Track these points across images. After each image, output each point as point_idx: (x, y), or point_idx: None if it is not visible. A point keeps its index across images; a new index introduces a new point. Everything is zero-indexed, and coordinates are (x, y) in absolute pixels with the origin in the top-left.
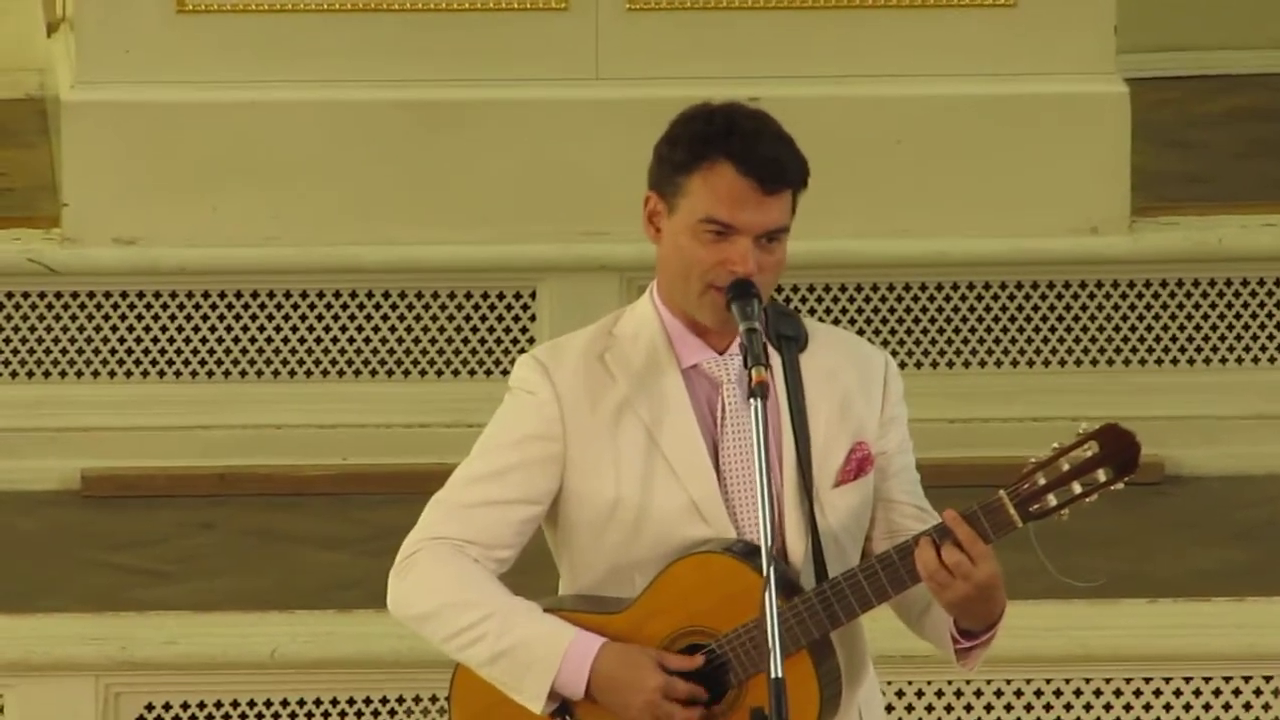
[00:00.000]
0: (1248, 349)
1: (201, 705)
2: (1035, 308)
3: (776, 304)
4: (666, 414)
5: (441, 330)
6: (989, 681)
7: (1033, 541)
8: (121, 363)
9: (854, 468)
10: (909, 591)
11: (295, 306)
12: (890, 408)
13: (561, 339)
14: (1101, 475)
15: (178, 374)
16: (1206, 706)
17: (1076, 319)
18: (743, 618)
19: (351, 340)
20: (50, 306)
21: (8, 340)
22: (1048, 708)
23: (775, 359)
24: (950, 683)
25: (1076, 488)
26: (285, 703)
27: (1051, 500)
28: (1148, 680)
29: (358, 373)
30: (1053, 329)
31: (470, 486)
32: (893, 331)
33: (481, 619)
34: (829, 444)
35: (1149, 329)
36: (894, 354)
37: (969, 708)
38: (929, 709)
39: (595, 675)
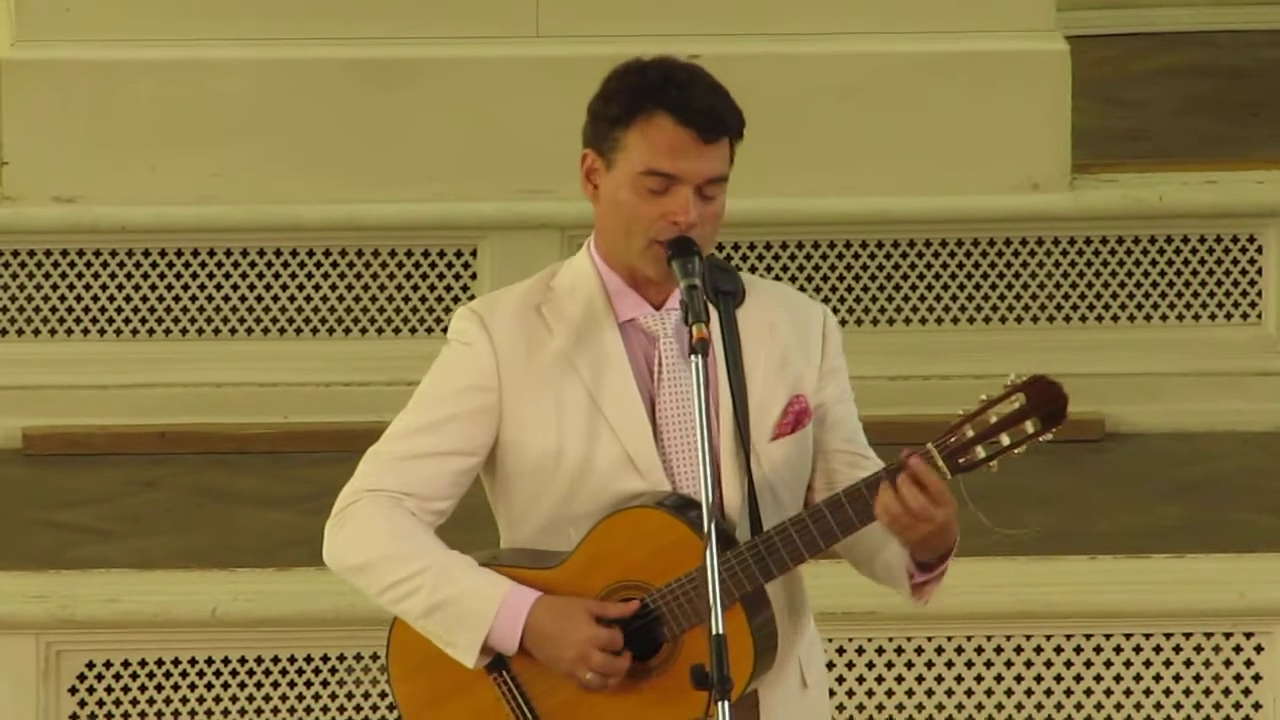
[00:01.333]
0: (1188, 306)
1: (143, 663)
2: (976, 265)
3: (714, 259)
4: (603, 368)
5: (382, 288)
6: (930, 638)
7: (963, 494)
8: (62, 321)
9: (791, 420)
10: (856, 536)
11: (236, 265)
12: (829, 359)
13: (498, 292)
14: (1029, 426)
15: (118, 332)
16: (1147, 663)
17: (1017, 276)
18: (676, 571)
19: (292, 298)
20: None
21: None
22: (988, 664)
23: (713, 313)
24: (891, 639)
25: (1004, 439)
26: (226, 660)
27: (980, 452)
28: (1088, 637)
29: (299, 331)
30: (993, 286)
31: (406, 438)
32: (834, 289)
33: (417, 572)
34: (766, 397)
35: (1090, 286)
36: (835, 311)
37: (910, 664)
38: (869, 665)
39: (529, 629)
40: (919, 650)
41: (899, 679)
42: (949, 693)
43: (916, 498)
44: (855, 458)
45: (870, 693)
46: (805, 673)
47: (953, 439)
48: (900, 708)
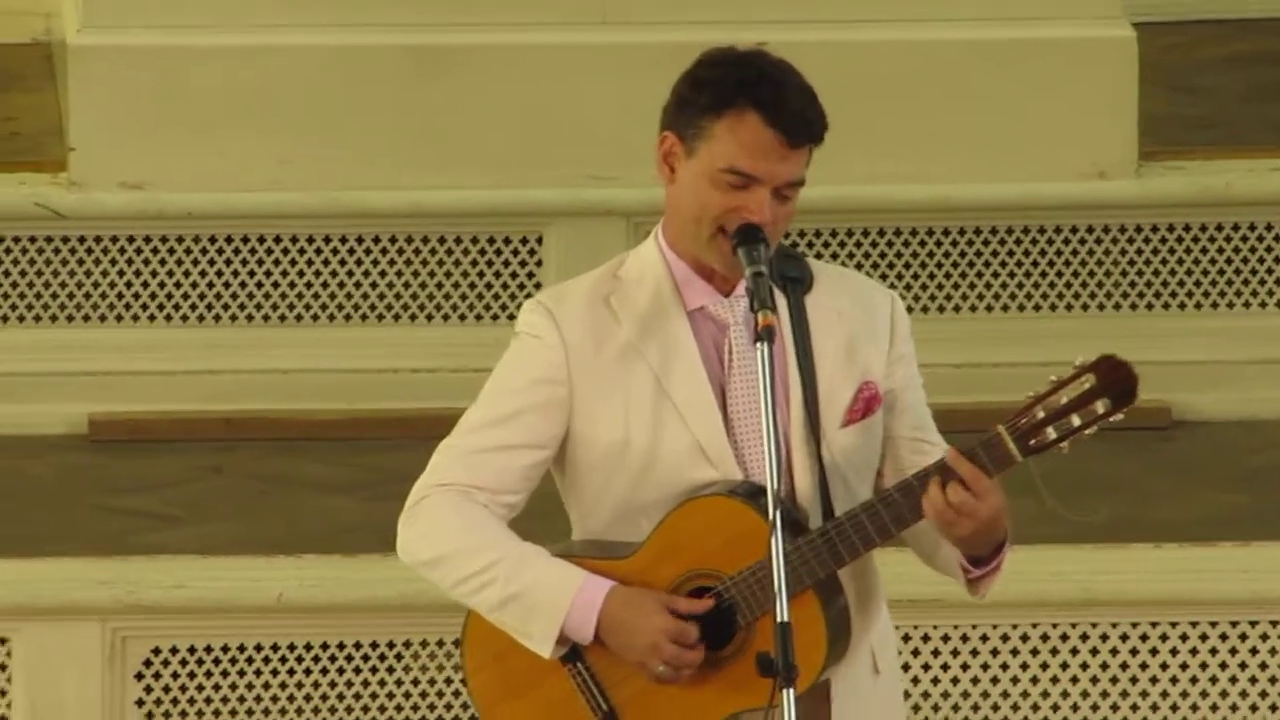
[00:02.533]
0: (1255, 293)
1: (208, 649)
2: (1042, 252)
3: (782, 246)
4: (672, 357)
5: (448, 275)
6: (995, 626)
7: (1036, 480)
8: (129, 307)
9: (861, 407)
10: (920, 526)
11: (302, 251)
12: (897, 345)
13: (567, 283)
14: (1100, 407)
15: (184, 318)
16: (1213, 651)
17: (1084, 263)
18: (749, 559)
19: (358, 285)
20: (57, 251)
21: (15, 285)
22: (1054, 652)
23: (781, 301)
24: (956, 627)
25: (1075, 420)
26: (292, 647)
27: (1050, 434)
28: (1153, 625)
29: (364, 317)
30: (1059, 273)
31: (477, 432)
32: (899, 276)
33: (490, 564)
34: (835, 384)
35: (1156, 273)
36: (901, 298)
37: (975, 652)
38: (935, 653)
39: (603, 618)
40: (984, 638)
41: (964, 666)
42: (1014, 680)
43: (957, 492)
44: (922, 444)
45: (936, 680)
46: (878, 659)
47: (1023, 420)
48: (965, 695)
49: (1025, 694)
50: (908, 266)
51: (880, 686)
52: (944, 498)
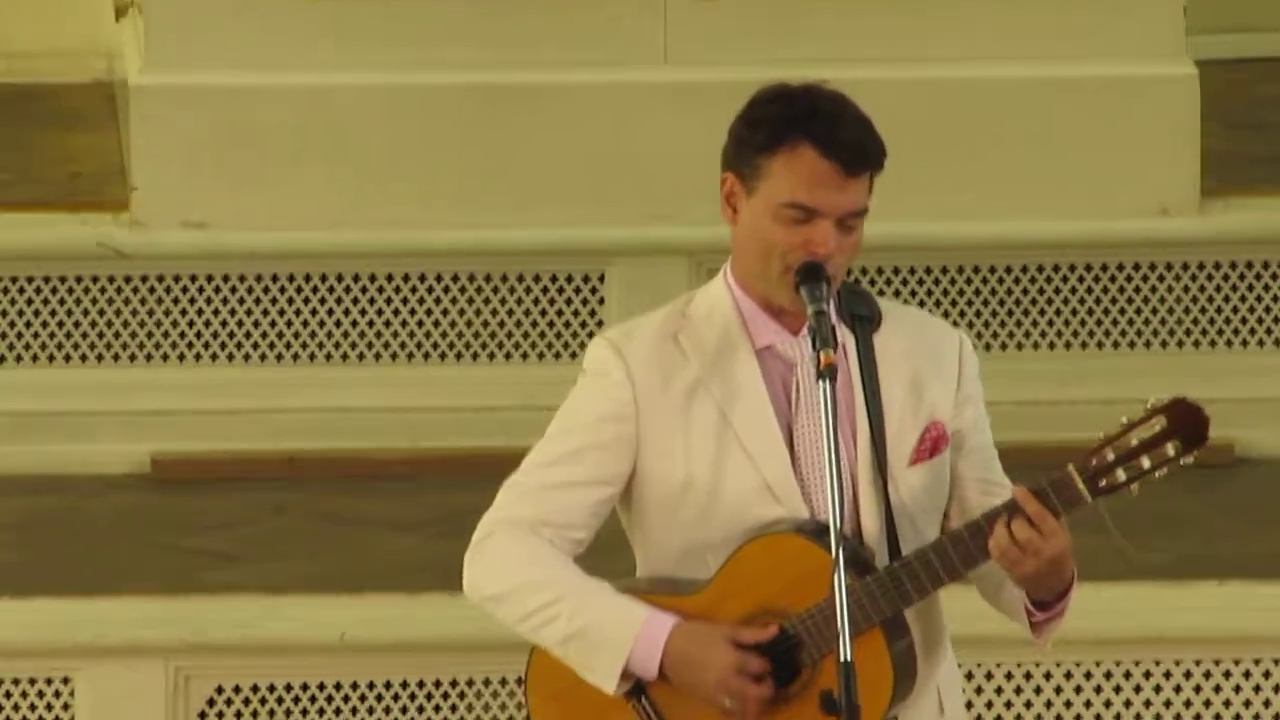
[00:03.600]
0: None
1: (272, 688)
2: (1105, 289)
3: (849, 284)
4: (739, 394)
5: (510, 313)
6: (1059, 664)
7: (1105, 519)
8: (190, 346)
9: (929, 446)
10: (986, 566)
11: (364, 290)
12: (965, 386)
13: (634, 321)
14: (1170, 449)
15: (246, 357)
16: (1276, 688)
17: (1146, 300)
18: (816, 598)
19: (420, 323)
20: (120, 290)
21: (77, 324)
22: (1117, 690)
23: (849, 339)
24: (1020, 665)
25: (1146, 462)
26: (355, 686)
27: (1121, 475)
28: (1217, 662)
29: (427, 356)
30: (1122, 311)
31: (544, 469)
32: (961, 313)
33: (555, 600)
34: (903, 423)
35: (1219, 311)
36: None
37: (1038, 690)
38: (998, 691)
39: (668, 654)
40: (1047, 675)
41: (1028, 704)
42: (1078, 718)
43: (1023, 530)
44: (990, 485)
45: (999, 718)
46: (944, 700)
47: (1094, 461)
48: None
49: None
50: (970, 304)
51: None
52: (1009, 535)
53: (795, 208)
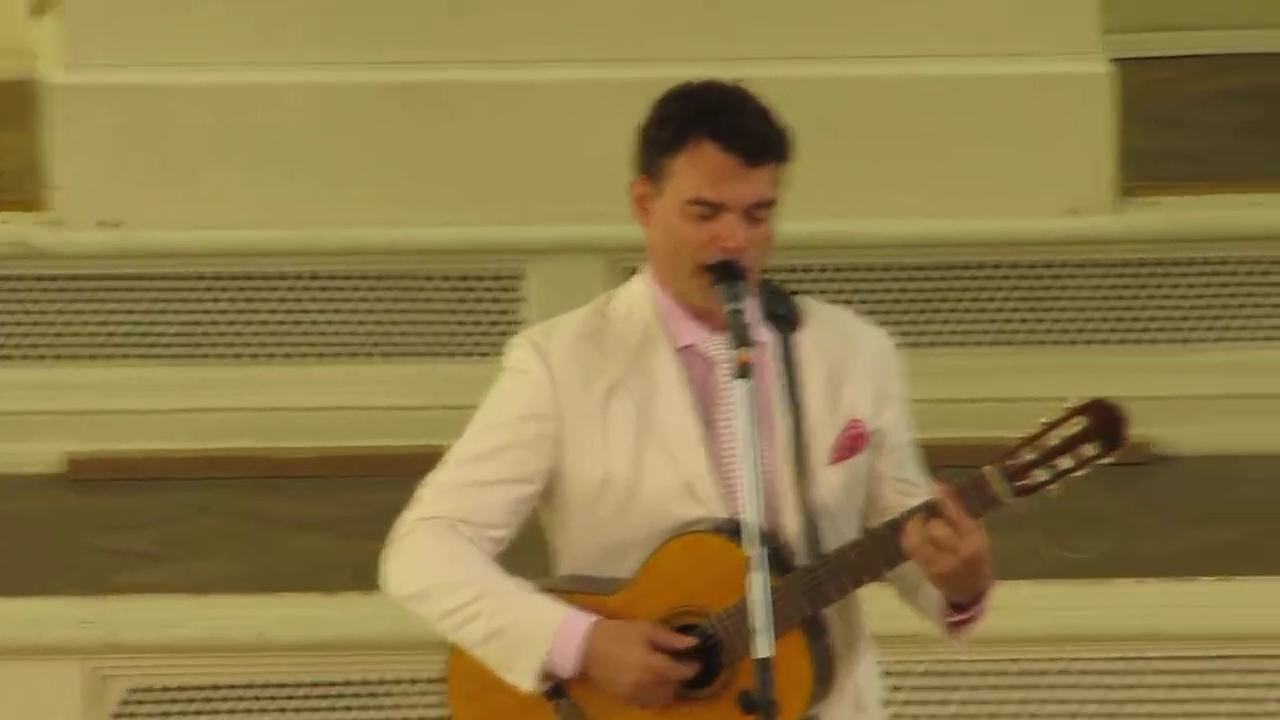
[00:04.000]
0: (1227, 329)
1: (187, 688)
2: (1016, 288)
3: (771, 283)
4: (659, 393)
5: (429, 312)
6: (974, 661)
7: (1025, 519)
8: (103, 346)
9: (848, 445)
10: (904, 566)
11: (280, 288)
12: (886, 385)
13: (555, 319)
14: (1090, 450)
15: (163, 357)
16: (1193, 686)
17: (1057, 299)
18: (735, 597)
19: (334, 322)
20: (38, 289)
21: None
22: (1033, 687)
23: (771, 338)
24: (939, 662)
25: (1065, 463)
26: (271, 685)
27: (1040, 475)
28: (1135, 659)
29: (345, 355)
30: (1032, 309)
31: (464, 466)
32: (872, 311)
33: (474, 598)
34: (822, 422)
35: (1131, 309)
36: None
37: (955, 687)
38: (915, 689)
39: (586, 653)
40: (964, 673)
41: (944, 702)
42: (993, 716)
43: (940, 528)
44: (909, 485)
45: (915, 717)
46: (862, 698)
47: (1012, 461)
48: None
49: None
50: (881, 302)
51: None
52: (925, 533)
53: (700, 204)
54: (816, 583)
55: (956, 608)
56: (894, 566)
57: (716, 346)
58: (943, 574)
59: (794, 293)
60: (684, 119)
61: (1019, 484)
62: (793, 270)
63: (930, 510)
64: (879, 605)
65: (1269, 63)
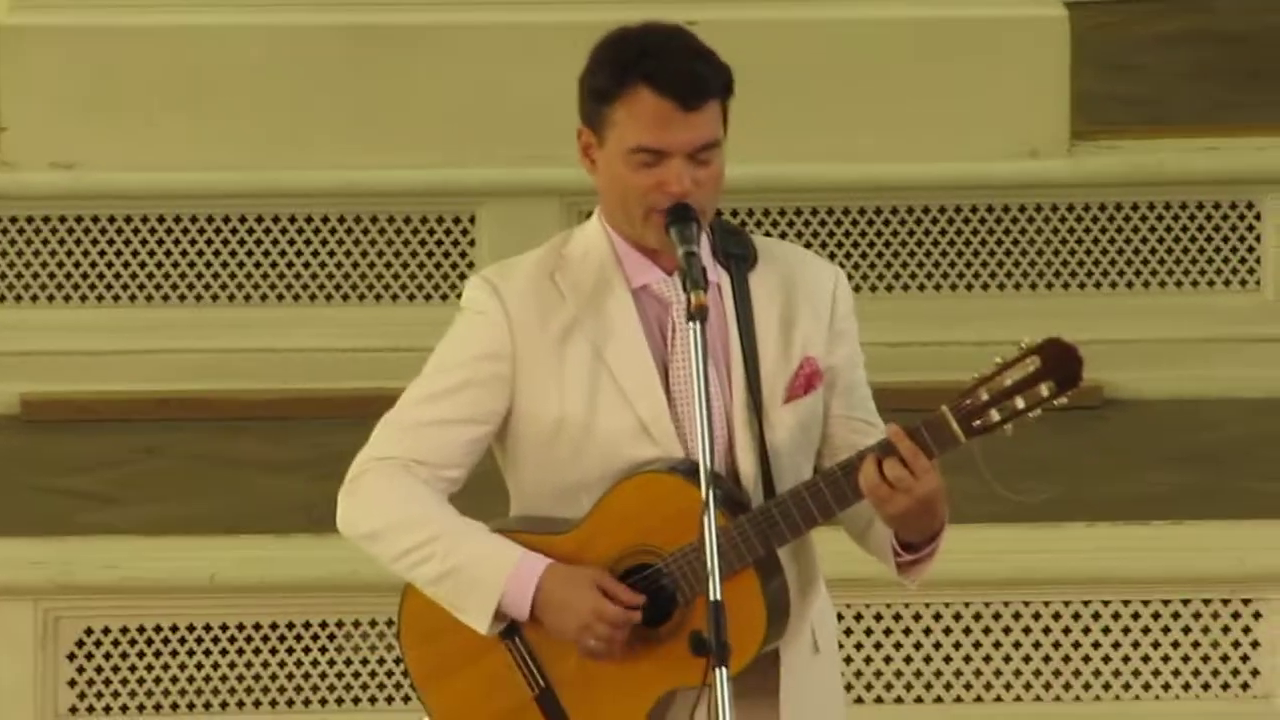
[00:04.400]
0: (1186, 272)
1: (141, 629)
2: (974, 231)
3: (725, 222)
4: (615, 334)
5: (381, 255)
6: (927, 605)
7: (978, 460)
8: (60, 287)
9: (802, 383)
10: (857, 506)
11: (235, 231)
12: (838, 321)
13: (512, 259)
14: (1044, 390)
15: (117, 299)
16: (1145, 629)
17: (1015, 243)
18: (689, 536)
19: (291, 265)
20: None
21: None
22: (987, 630)
23: (723, 277)
24: (889, 605)
25: (1019, 402)
26: (225, 627)
27: (994, 415)
28: (1086, 603)
29: (298, 297)
30: (991, 253)
31: (419, 406)
32: (832, 255)
33: (429, 539)
34: (777, 360)
35: (1088, 253)
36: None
37: (907, 631)
38: (868, 632)
39: (540, 595)
40: (916, 617)
41: (897, 645)
42: (947, 659)
43: (895, 468)
44: (863, 424)
45: (869, 659)
46: (818, 638)
47: (967, 401)
48: (898, 674)
49: (958, 673)
50: (840, 245)
51: (820, 664)
52: (879, 473)
53: (642, 151)
54: (770, 523)
55: (908, 547)
56: (847, 506)
57: (671, 287)
58: (896, 514)
59: (748, 231)
60: (619, 66)
61: (974, 424)
62: (750, 214)
63: (885, 450)
64: (832, 548)
65: (1208, 5)
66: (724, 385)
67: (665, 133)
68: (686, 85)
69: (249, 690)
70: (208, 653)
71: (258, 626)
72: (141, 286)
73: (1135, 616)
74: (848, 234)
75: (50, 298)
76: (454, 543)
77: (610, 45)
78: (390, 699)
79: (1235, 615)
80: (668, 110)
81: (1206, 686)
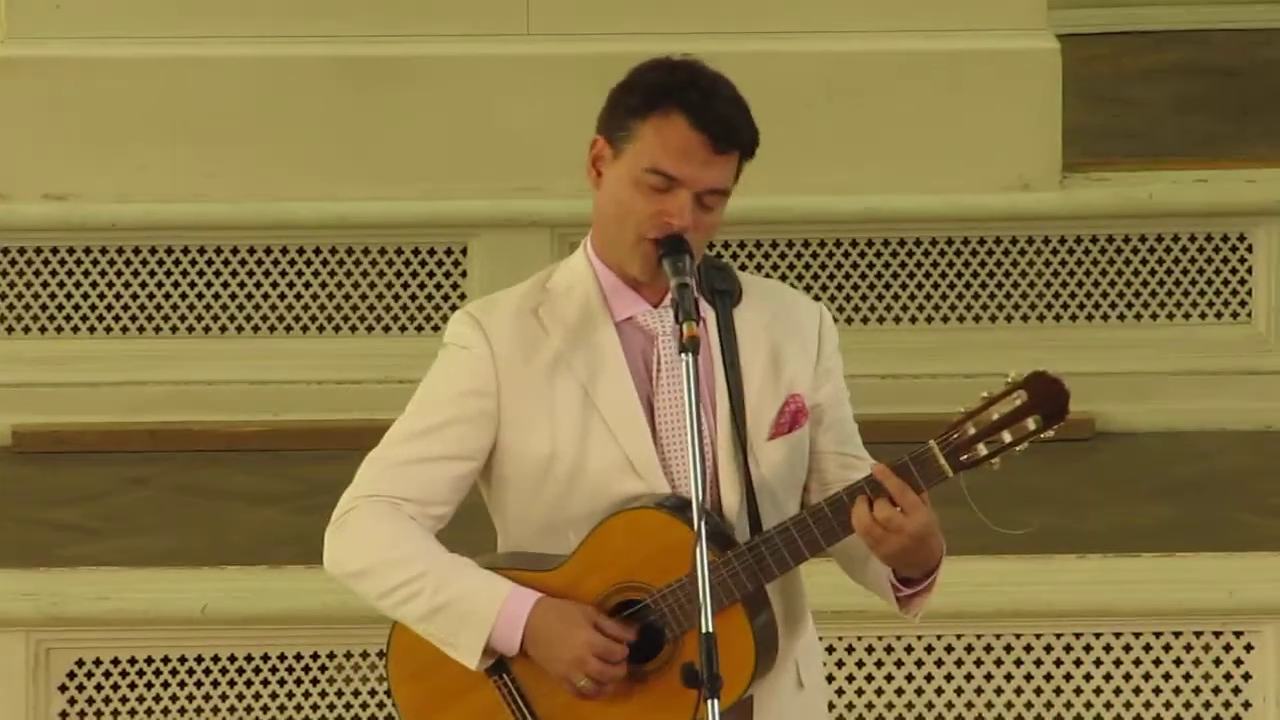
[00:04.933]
0: (1178, 305)
1: (132, 661)
2: (966, 264)
3: (710, 257)
4: (600, 368)
5: (373, 286)
6: (919, 637)
7: (964, 494)
8: (52, 318)
9: (788, 420)
10: (848, 542)
11: (226, 262)
12: (824, 359)
13: (496, 294)
14: (1031, 423)
15: (108, 330)
16: (1136, 662)
17: (1008, 275)
18: (677, 572)
19: (283, 296)
20: None
21: None
22: (978, 663)
23: (709, 312)
24: (880, 638)
25: (1006, 436)
26: (216, 658)
27: (982, 449)
28: (1078, 635)
29: (289, 328)
30: (983, 285)
31: (405, 443)
32: (824, 288)
33: (417, 575)
34: (763, 397)
35: (1080, 285)
36: (828, 311)
37: (899, 663)
38: (859, 664)
39: (530, 630)
40: (908, 649)
41: (888, 678)
42: (939, 691)
43: (884, 509)
44: (849, 459)
45: (860, 691)
46: (802, 673)
47: (954, 436)
48: (890, 706)
49: (950, 705)
50: (831, 278)
51: (804, 700)
52: (870, 514)
53: (657, 174)
54: (758, 558)
55: (907, 582)
56: (835, 541)
57: (656, 319)
58: (892, 553)
59: (733, 267)
60: (663, 88)
61: (962, 458)
62: (741, 246)
63: (873, 488)
64: (823, 580)
65: (1200, 38)
66: (709, 420)
67: (686, 164)
68: (722, 126)
69: None
70: (199, 684)
71: (249, 658)
72: (134, 318)
73: (1127, 649)
74: (839, 266)
75: (42, 329)
76: (443, 578)
77: (658, 67)
78: None
79: (1227, 648)
80: (696, 144)
81: (1198, 719)
